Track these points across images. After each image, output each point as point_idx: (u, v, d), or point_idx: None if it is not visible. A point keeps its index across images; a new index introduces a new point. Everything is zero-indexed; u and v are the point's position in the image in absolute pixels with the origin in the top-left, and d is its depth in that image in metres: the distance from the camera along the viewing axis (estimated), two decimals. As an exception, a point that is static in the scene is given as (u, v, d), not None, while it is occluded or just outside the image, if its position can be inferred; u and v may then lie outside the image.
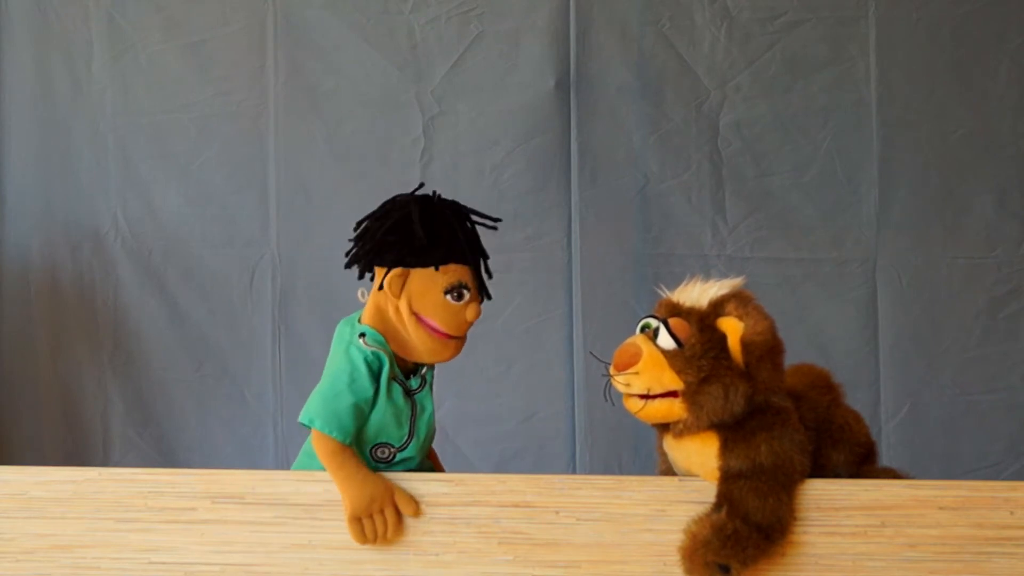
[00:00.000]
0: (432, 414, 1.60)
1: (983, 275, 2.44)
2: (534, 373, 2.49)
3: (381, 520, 1.49)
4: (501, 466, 2.46)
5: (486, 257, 1.60)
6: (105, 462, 2.51)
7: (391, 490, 1.50)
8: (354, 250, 1.58)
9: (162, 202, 2.54)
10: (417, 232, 1.51)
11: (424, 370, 1.60)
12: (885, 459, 1.85)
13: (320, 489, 1.53)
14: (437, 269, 1.52)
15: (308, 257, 2.51)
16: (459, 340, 1.57)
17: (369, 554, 1.51)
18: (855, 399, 1.69)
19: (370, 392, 1.52)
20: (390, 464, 1.57)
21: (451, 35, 2.50)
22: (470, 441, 2.48)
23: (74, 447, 2.54)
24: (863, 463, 1.58)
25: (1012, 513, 1.46)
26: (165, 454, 2.53)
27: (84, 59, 2.54)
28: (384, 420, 1.54)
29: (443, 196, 1.58)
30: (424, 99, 2.50)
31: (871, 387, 2.44)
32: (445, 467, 1.73)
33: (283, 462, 2.48)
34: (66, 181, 2.55)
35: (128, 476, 1.56)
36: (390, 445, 1.56)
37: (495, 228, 1.61)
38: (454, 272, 1.53)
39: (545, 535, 1.50)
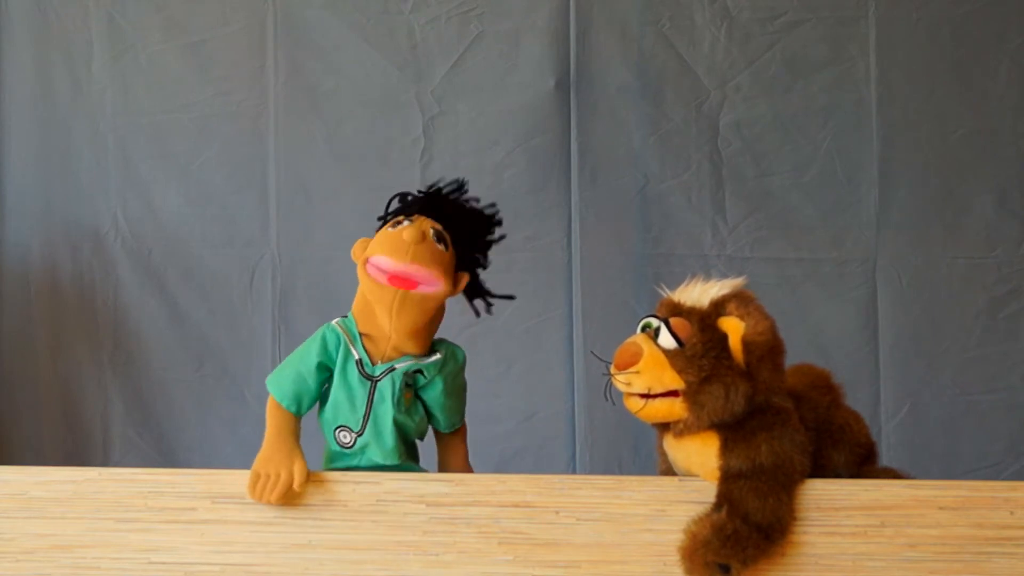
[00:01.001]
0: (395, 409, 1.59)
1: (983, 275, 2.44)
2: (534, 373, 2.49)
3: (274, 480, 1.52)
4: (501, 466, 2.45)
5: (479, 237, 1.65)
6: (105, 462, 2.51)
7: (292, 459, 1.54)
8: None
9: (162, 202, 2.54)
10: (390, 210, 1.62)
11: (407, 364, 1.59)
12: (885, 459, 1.85)
13: (320, 489, 1.53)
14: (388, 220, 1.60)
15: (308, 257, 2.51)
16: (405, 285, 1.54)
17: (369, 554, 1.51)
18: (855, 399, 1.69)
19: (314, 362, 1.59)
20: (353, 452, 1.60)
21: (451, 35, 2.50)
22: (470, 441, 2.46)
23: (74, 447, 2.54)
24: (863, 463, 1.59)
25: (1012, 513, 1.46)
26: (165, 454, 2.53)
27: (84, 59, 2.54)
28: (338, 399, 1.60)
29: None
30: (424, 99, 2.50)
31: (871, 387, 2.44)
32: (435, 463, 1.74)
33: (283, 462, 2.47)
34: (66, 181, 2.55)
35: (128, 476, 1.56)
36: (349, 428, 1.60)
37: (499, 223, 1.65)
38: (400, 217, 1.59)
39: (545, 535, 1.50)
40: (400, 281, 1.54)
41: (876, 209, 2.46)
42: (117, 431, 2.54)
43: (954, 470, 2.38)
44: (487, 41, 2.49)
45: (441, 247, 1.57)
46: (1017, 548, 1.46)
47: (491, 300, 1.68)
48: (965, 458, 2.43)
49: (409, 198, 1.65)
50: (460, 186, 1.66)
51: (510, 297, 1.70)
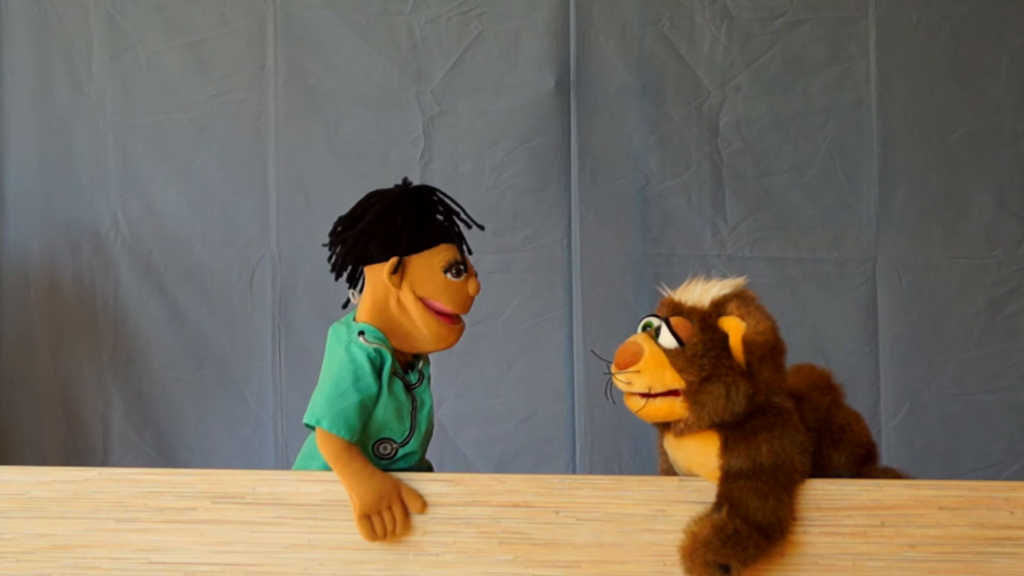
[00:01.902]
0: (431, 408, 1.61)
1: (983, 275, 2.44)
2: (534, 373, 2.49)
3: (390, 517, 1.49)
4: (501, 466, 2.46)
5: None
6: (105, 462, 2.51)
7: (398, 486, 1.51)
8: (335, 258, 1.61)
9: (162, 202, 2.54)
10: (398, 220, 1.55)
11: (420, 364, 1.61)
12: (885, 459, 1.85)
13: (320, 489, 1.53)
14: (432, 248, 1.56)
15: (308, 257, 2.51)
16: (461, 324, 1.59)
17: (369, 554, 1.51)
18: (855, 399, 1.69)
19: (374, 389, 1.52)
20: (392, 460, 1.57)
21: (451, 35, 2.50)
22: (470, 441, 2.48)
23: (74, 447, 2.54)
24: (864, 464, 1.58)
25: (1012, 513, 1.46)
26: (165, 454, 2.53)
27: (84, 59, 2.54)
28: (387, 416, 1.55)
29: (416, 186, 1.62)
30: (424, 99, 2.50)
31: (871, 387, 2.44)
32: (445, 467, 1.74)
33: (283, 462, 2.48)
34: (66, 181, 2.56)
35: (128, 476, 1.56)
36: (392, 440, 1.56)
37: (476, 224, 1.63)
38: (447, 250, 1.57)
39: (545, 535, 1.50)
40: (458, 321, 1.59)
41: (876, 209, 2.46)
42: (117, 431, 2.54)
43: (954, 470, 2.38)
44: (487, 41, 2.49)
45: None
46: (1017, 548, 1.46)
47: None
48: (965, 458, 2.43)
49: (435, 220, 1.60)
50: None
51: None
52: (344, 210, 2.48)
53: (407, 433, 1.57)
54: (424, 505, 1.50)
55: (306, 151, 2.52)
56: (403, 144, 2.50)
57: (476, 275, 1.59)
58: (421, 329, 1.55)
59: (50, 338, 2.56)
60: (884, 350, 2.45)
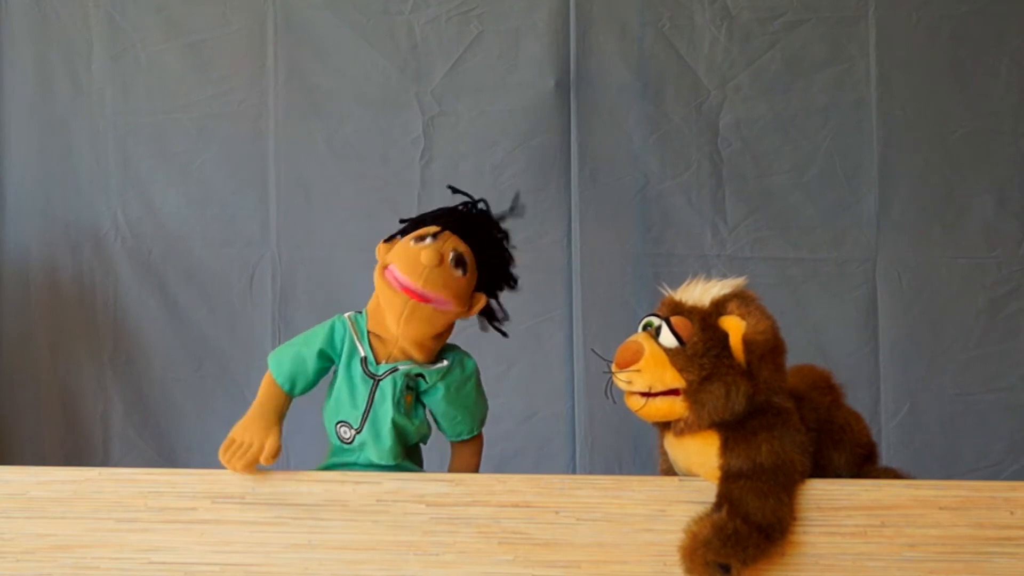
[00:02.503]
0: (395, 411, 1.59)
1: (983, 275, 2.44)
2: (534, 373, 2.49)
3: (244, 449, 1.53)
4: (501, 466, 2.45)
5: (503, 255, 1.65)
6: (105, 462, 2.51)
7: (268, 432, 1.55)
8: None
9: (162, 202, 2.54)
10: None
11: (406, 368, 1.59)
12: (885, 459, 1.85)
13: (320, 489, 1.53)
14: (414, 227, 1.60)
15: (308, 257, 2.51)
16: (418, 297, 1.55)
17: (369, 554, 1.51)
18: (855, 399, 1.69)
19: (316, 346, 1.61)
20: (352, 450, 1.61)
21: (451, 35, 2.50)
22: (470, 441, 2.47)
23: (74, 447, 2.54)
24: (864, 464, 1.58)
25: (1012, 513, 1.46)
26: (165, 454, 2.53)
27: (84, 59, 2.54)
28: (340, 393, 1.60)
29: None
30: (424, 99, 2.50)
31: (871, 387, 2.44)
32: (445, 467, 1.74)
33: (283, 462, 2.47)
34: (66, 181, 2.55)
35: (128, 476, 1.56)
36: (349, 424, 1.60)
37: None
38: (428, 230, 1.58)
39: (545, 535, 1.50)
40: (412, 293, 1.55)
41: (876, 209, 2.46)
42: (117, 431, 2.54)
43: (954, 470, 2.38)
44: (487, 41, 2.49)
45: (459, 272, 1.57)
46: (1017, 548, 1.46)
47: (499, 326, 1.69)
48: (965, 458, 2.43)
49: (443, 211, 1.65)
50: (487, 208, 1.67)
51: (503, 334, 1.71)
52: (344, 210, 2.50)
53: (360, 420, 1.59)
54: (270, 458, 1.53)
55: (306, 151, 2.52)
56: (403, 144, 2.50)
57: (450, 256, 1.56)
58: (378, 295, 1.58)
59: (50, 338, 2.55)
60: (884, 350, 2.45)
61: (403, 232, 1.62)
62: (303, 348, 1.62)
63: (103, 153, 2.54)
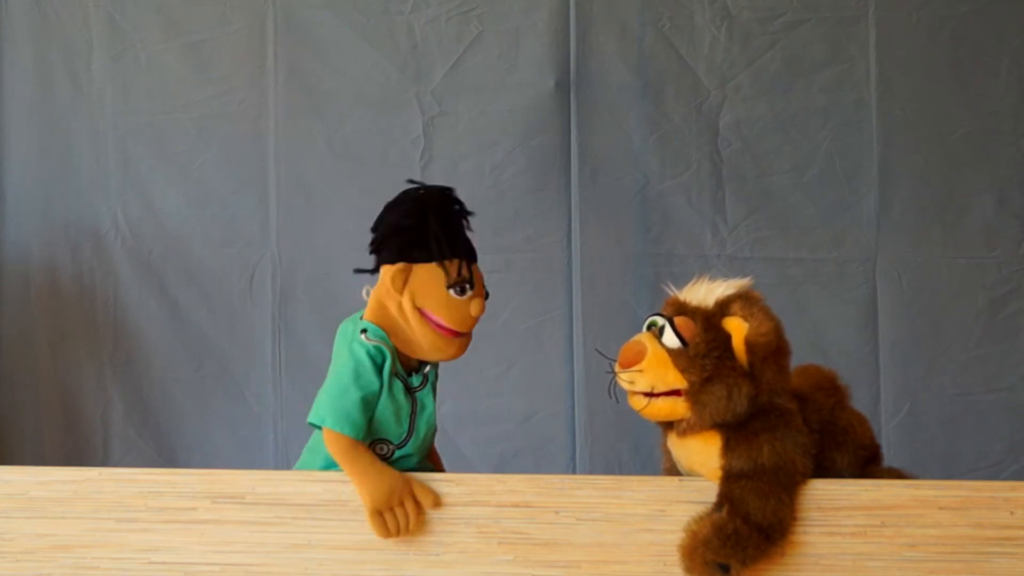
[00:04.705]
0: (433, 413, 1.59)
1: (983, 275, 2.44)
2: (534, 373, 2.49)
3: (402, 512, 1.48)
4: (501, 466, 2.46)
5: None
6: (105, 462, 2.51)
7: (409, 481, 1.49)
8: (373, 243, 1.57)
9: (162, 202, 2.54)
10: (413, 226, 1.51)
11: (427, 368, 1.59)
12: (886, 459, 1.85)
13: (320, 489, 1.53)
14: (440, 264, 1.51)
15: (308, 257, 2.51)
16: (464, 337, 1.55)
17: (369, 554, 1.51)
18: (855, 399, 1.68)
19: (376, 386, 1.51)
20: (388, 462, 1.55)
21: (451, 35, 2.50)
22: (470, 441, 2.48)
23: (74, 447, 2.54)
24: (867, 466, 1.58)
25: (1012, 513, 1.46)
26: (165, 454, 2.53)
27: (84, 59, 2.55)
28: (384, 416, 1.53)
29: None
30: (424, 99, 2.50)
31: (871, 387, 2.44)
32: (445, 467, 1.73)
33: (283, 462, 2.48)
34: (66, 181, 2.56)
35: (128, 476, 1.56)
36: (388, 442, 1.55)
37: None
38: (455, 266, 1.52)
39: (545, 535, 1.50)
40: (458, 335, 1.54)
41: (876, 209, 2.46)
42: (117, 431, 2.54)
43: (954, 470, 2.38)
44: (487, 41, 2.49)
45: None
46: (1017, 548, 1.46)
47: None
48: (965, 458, 2.43)
49: (446, 230, 1.54)
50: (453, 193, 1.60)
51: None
52: (344, 210, 2.49)
53: (404, 436, 1.56)
54: (437, 500, 1.49)
55: (306, 151, 2.52)
56: (403, 144, 2.50)
57: (485, 295, 1.55)
58: (419, 338, 1.53)
59: (50, 338, 2.56)
60: (884, 350, 2.45)
61: (409, 256, 1.53)
62: (362, 393, 1.49)
63: (103, 153, 2.54)
